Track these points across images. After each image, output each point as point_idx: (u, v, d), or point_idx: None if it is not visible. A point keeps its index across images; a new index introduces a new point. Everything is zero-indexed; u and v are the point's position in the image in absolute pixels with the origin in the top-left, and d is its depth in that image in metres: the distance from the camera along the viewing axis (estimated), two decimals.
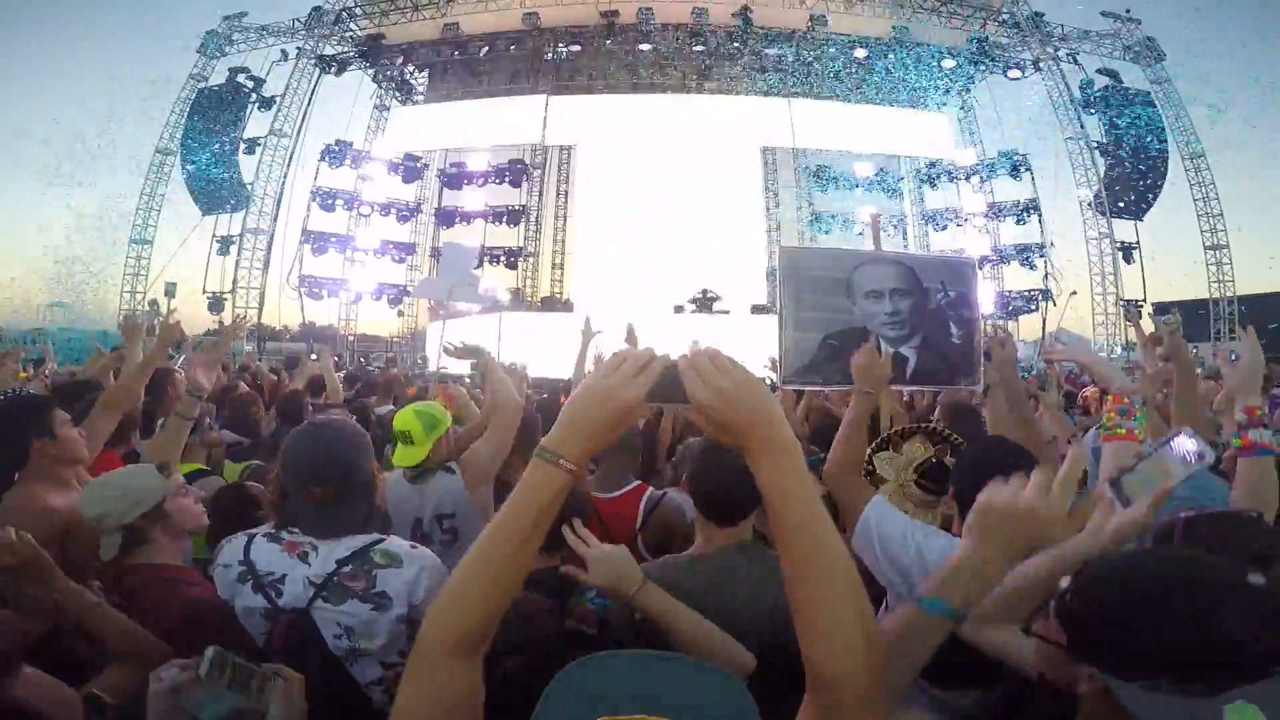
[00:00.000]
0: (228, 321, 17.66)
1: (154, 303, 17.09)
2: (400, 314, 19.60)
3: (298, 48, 18.95)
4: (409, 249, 19.57)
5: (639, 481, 2.46)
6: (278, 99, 18.72)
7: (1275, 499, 1.45)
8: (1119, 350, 17.02)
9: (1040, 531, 0.94)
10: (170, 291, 18.23)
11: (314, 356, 7.29)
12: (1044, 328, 17.90)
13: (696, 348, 0.82)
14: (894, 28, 17.12)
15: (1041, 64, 18.04)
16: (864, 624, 0.76)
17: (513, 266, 18.78)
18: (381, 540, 1.61)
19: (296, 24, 19.16)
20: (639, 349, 0.83)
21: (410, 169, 19.34)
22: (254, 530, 1.66)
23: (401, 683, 0.81)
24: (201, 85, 19.26)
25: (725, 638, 1.30)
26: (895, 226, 19.26)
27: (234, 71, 18.94)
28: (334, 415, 2.53)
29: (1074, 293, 17.59)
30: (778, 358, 2.96)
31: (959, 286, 3.13)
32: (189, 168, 18.71)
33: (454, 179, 19.18)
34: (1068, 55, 18.06)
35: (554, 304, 16.61)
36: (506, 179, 18.48)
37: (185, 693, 1.02)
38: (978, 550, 0.93)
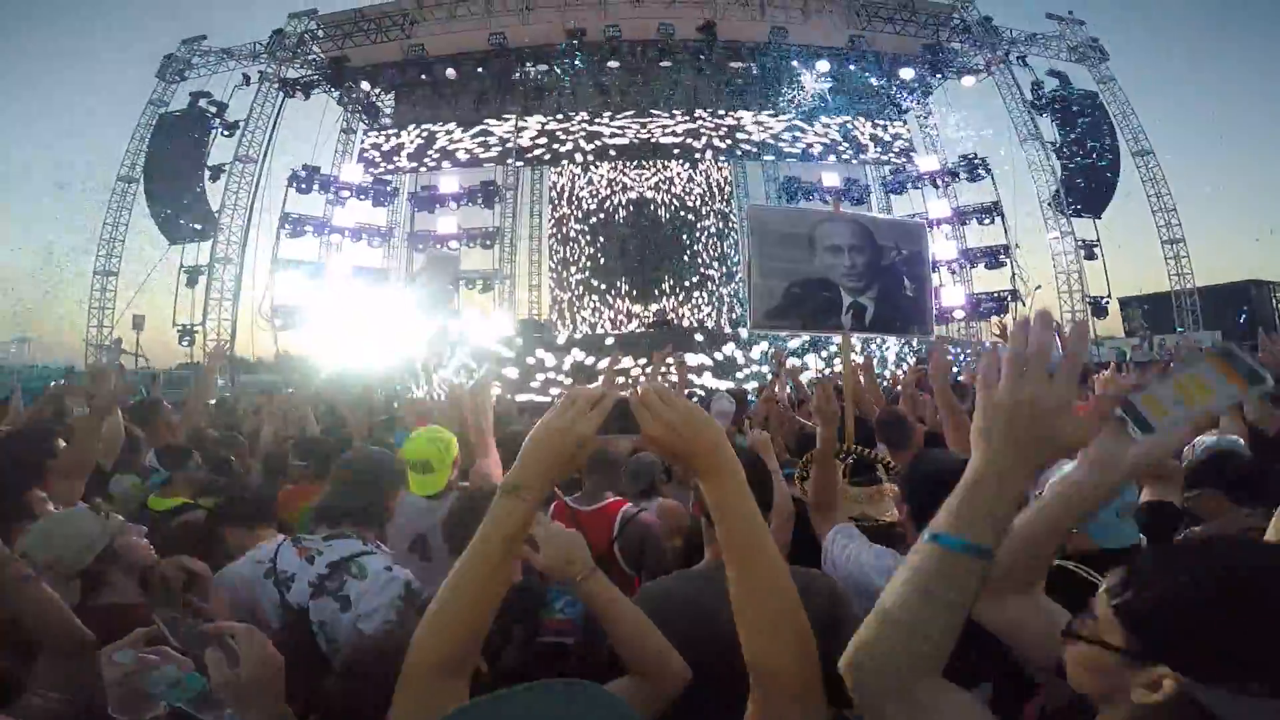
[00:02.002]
0: (199, 355, 17.43)
1: (117, 340, 16.74)
2: None
3: (260, 71, 18.69)
4: (382, 275, 19.36)
5: (616, 497, 2.62)
6: (242, 124, 18.45)
7: None
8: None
9: (1055, 423, 0.75)
10: (138, 325, 17.90)
11: (289, 390, 7.34)
12: None
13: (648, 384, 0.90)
14: (851, 38, 17.42)
15: (993, 68, 18.48)
16: (794, 622, 0.85)
17: (489, 289, 18.72)
18: (367, 554, 1.86)
19: (258, 47, 18.90)
20: (592, 387, 0.91)
21: (380, 192, 19.14)
22: (285, 536, 1.98)
23: (392, 705, 0.87)
24: (162, 110, 18.91)
25: (662, 642, 1.26)
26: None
27: (195, 96, 18.63)
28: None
29: (1038, 286, 18.09)
30: (747, 303, 3.21)
31: (911, 246, 3.43)
32: (152, 196, 18.37)
33: (425, 202, 19.04)
34: (1017, 58, 18.55)
35: (532, 326, 16.59)
36: (479, 200, 18.42)
37: (146, 674, 0.97)
38: (994, 460, 0.76)
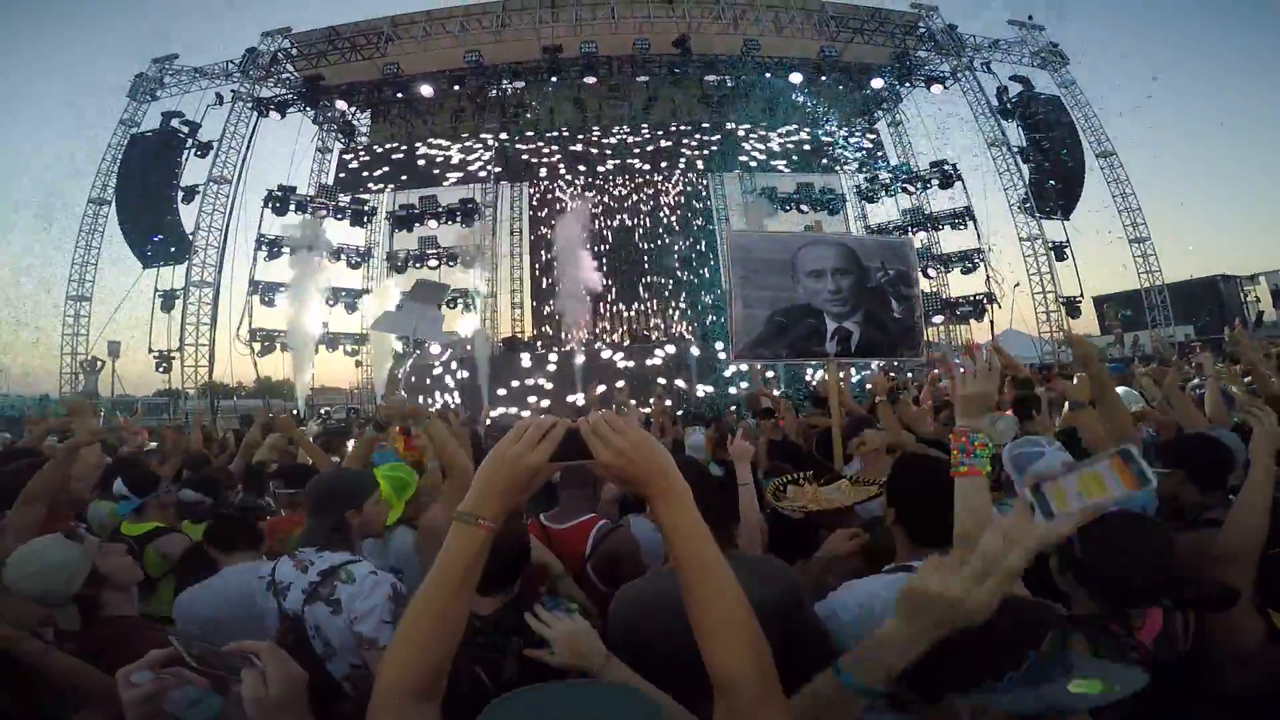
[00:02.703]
0: (177, 382, 17.12)
1: (92, 360, 16.42)
2: (358, 364, 19.11)
3: (233, 90, 18.53)
4: (362, 295, 19.17)
5: (591, 514, 2.60)
6: (215, 144, 18.21)
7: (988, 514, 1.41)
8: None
9: (966, 620, 0.92)
10: (114, 351, 17.55)
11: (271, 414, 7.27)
12: (993, 329, 18.68)
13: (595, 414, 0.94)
14: (821, 50, 17.74)
15: (959, 74, 18.89)
16: (749, 631, 0.89)
17: (470, 308, 18.58)
18: (353, 562, 2.01)
19: (231, 66, 18.76)
20: (543, 417, 0.95)
21: (358, 212, 19.00)
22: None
23: None
24: (133, 131, 18.66)
25: (684, 714, 1.27)
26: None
27: (167, 116, 18.40)
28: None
29: (1017, 284, 18.43)
30: (729, 332, 3.24)
31: (898, 265, 3.41)
32: (125, 218, 18.07)
33: (404, 220, 18.92)
34: (982, 65, 19.01)
35: (515, 344, 16.50)
36: (458, 219, 18.35)
37: (164, 695, 0.99)
38: (904, 629, 0.94)
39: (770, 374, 10.46)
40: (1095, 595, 1.49)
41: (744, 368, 12.72)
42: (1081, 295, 19.03)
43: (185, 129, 18.28)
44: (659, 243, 18.49)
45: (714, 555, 0.92)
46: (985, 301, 18.56)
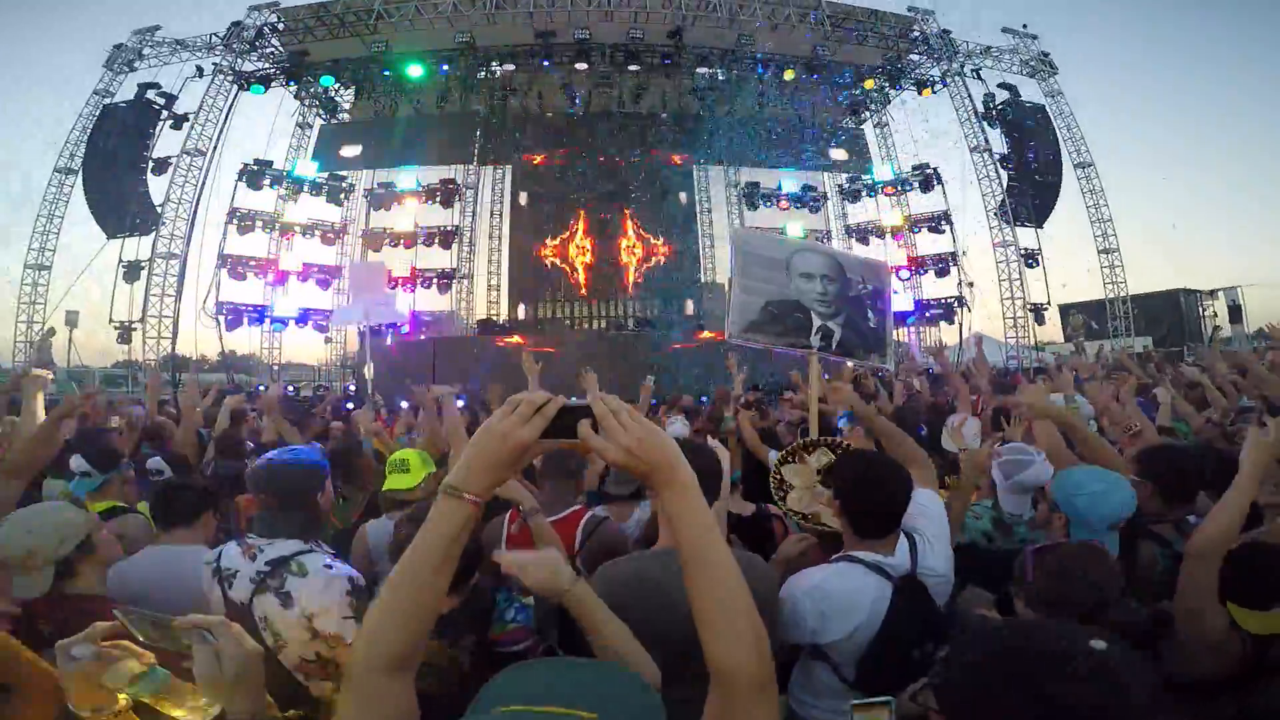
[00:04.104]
0: (137, 354, 16.71)
1: (51, 330, 15.93)
2: (328, 340, 18.82)
3: (214, 64, 18.06)
4: (335, 272, 18.85)
5: (579, 505, 2.55)
6: (192, 116, 17.74)
7: None
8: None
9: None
10: (72, 321, 17.06)
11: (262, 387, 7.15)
12: (961, 332, 19.01)
13: (605, 398, 0.92)
14: (815, 48, 17.85)
15: (949, 79, 19.11)
16: (750, 621, 0.88)
17: (446, 289, 18.40)
18: (306, 552, 1.90)
19: (214, 39, 18.26)
20: (536, 392, 0.91)
21: (335, 189, 18.67)
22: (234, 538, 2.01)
23: (339, 705, 0.88)
24: (107, 101, 18.11)
25: (639, 649, 1.31)
26: (820, 241, 20.05)
27: (143, 88, 17.86)
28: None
29: (971, 284, 18.77)
30: (726, 316, 3.47)
31: (875, 283, 3.79)
32: (90, 187, 17.49)
33: (382, 199, 18.66)
34: (972, 71, 19.18)
35: (491, 326, 16.37)
36: (438, 199, 18.12)
37: (106, 668, 0.96)
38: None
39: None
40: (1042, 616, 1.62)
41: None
42: (1048, 303, 19.46)
43: (161, 100, 17.77)
44: (640, 232, 18.49)
45: (718, 543, 0.91)
46: (956, 304, 18.87)
